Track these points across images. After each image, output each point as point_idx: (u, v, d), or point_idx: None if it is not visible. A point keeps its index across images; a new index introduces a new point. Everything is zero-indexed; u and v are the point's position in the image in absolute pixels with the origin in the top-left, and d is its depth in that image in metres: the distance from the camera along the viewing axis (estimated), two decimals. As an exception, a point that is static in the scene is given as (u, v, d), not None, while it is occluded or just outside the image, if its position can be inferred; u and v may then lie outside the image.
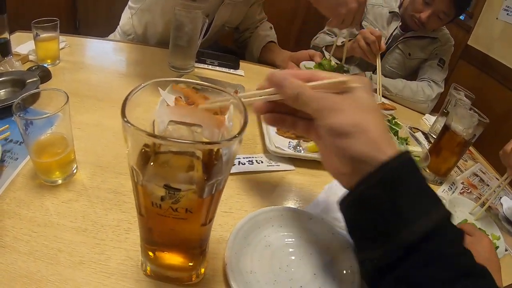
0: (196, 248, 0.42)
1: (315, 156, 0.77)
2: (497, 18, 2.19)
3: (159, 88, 0.40)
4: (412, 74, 1.60)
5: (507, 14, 2.12)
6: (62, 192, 0.55)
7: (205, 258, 0.46)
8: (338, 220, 0.63)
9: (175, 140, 0.29)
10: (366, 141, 0.40)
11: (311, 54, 1.24)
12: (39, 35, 0.89)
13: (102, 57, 1.10)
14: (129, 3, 1.24)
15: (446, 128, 0.91)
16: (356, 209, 0.42)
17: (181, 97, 0.51)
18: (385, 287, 0.39)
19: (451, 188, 0.95)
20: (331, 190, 0.70)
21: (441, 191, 0.92)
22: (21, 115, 0.49)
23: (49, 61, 0.94)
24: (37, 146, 0.53)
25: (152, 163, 0.32)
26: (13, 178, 0.56)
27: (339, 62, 1.26)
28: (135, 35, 1.27)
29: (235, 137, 0.30)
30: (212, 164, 0.32)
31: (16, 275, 0.43)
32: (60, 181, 0.56)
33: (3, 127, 0.61)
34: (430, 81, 1.48)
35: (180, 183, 0.32)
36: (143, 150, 0.31)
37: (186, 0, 1.04)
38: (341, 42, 1.26)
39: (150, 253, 0.42)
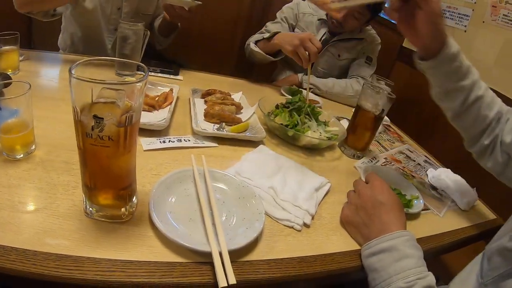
0: (123, 185, 0.58)
1: (236, 135, 0.94)
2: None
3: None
4: (343, 74, 1.78)
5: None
6: (23, 164, 0.69)
7: (131, 198, 0.61)
8: (250, 179, 0.79)
9: (108, 81, 0.47)
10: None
11: None
12: (1, 47, 1.03)
13: (56, 67, 1.27)
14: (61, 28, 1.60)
15: (358, 108, 1.06)
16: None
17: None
18: None
19: (372, 161, 1.10)
20: (246, 158, 0.87)
21: (360, 162, 1.06)
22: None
23: (10, 70, 1.06)
24: (5, 126, 0.68)
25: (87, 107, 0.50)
26: (-20, 157, 0.70)
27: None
28: (66, 46, 1.58)
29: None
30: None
31: (-18, 222, 0.55)
32: (22, 155, 0.71)
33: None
34: (359, 77, 1.68)
35: (103, 114, 0.49)
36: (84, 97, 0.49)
37: None
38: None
39: (88, 193, 0.58)
